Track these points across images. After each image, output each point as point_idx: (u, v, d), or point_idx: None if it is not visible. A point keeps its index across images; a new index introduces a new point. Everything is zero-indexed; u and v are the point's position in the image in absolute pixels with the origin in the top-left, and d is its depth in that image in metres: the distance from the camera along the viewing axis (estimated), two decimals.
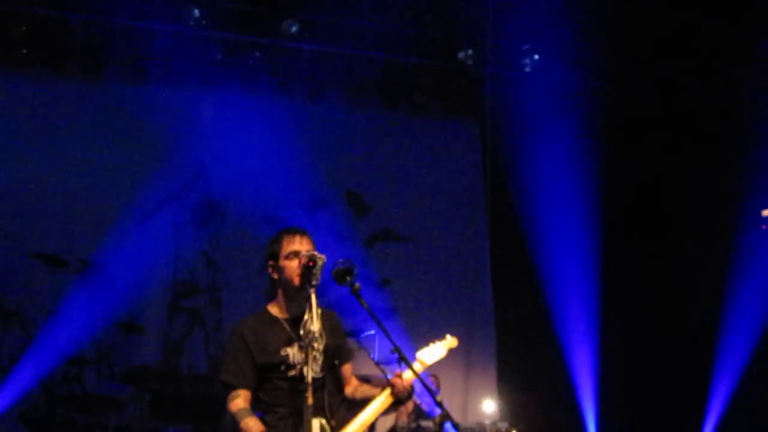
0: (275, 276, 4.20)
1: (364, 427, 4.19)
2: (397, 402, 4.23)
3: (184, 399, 7.19)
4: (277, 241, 4.21)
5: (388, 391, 4.19)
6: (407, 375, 4.22)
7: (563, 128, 8.67)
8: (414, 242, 8.88)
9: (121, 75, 8.07)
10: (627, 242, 8.46)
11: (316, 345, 4.01)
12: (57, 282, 7.60)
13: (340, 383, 4.28)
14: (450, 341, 4.54)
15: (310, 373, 3.92)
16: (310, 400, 3.90)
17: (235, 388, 4.12)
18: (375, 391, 4.29)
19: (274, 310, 4.24)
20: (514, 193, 8.86)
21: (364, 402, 4.31)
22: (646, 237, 8.46)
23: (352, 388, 4.37)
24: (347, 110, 8.71)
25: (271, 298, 4.28)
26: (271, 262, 4.20)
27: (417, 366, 4.29)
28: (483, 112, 9.31)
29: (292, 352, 4.12)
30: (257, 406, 4.16)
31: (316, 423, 3.94)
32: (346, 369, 4.35)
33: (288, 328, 4.16)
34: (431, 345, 4.50)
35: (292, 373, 4.11)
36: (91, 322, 7.44)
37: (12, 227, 7.70)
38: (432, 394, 4.07)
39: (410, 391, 4.20)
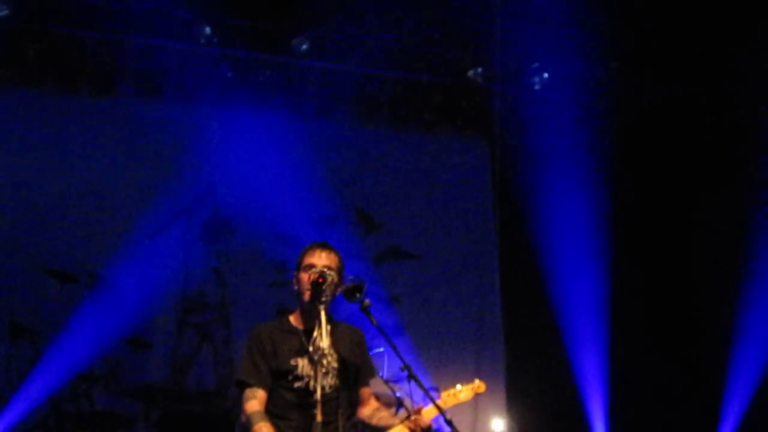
0: (296, 288, 4.23)
1: None
2: None
3: (192, 416, 7.17)
4: (300, 255, 4.26)
5: (403, 426, 4.17)
6: (426, 412, 4.20)
7: (573, 146, 8.67)
8: (423, 260, 8.87)
9: (133, 92, 8.11)
10: (639, 259, 8.43)
11: (325, 361, 4.00)
12: (67, 297, 7.61)
13: (353, 402, 4.26)
14: (477, 385, 4.59)
15: (319, 389, 3.91)
16: (319, 417, 3.88)
17: (251, 386, 4.11)
18: (393, 421, 4.26)
19: (294, 320, 4.26)
20: (523, 211, 8.84)
21: (377, 429, 4.29)
22: (658, 254, 8.44)
23: (371, 409, 4.33)
24: (357, 128, 8.73)
25: (293, 308, 4.30)
26: (295, 275, 4.25)
27: (440, 403, 4.28)
28: (492, 130, 9.31)
29: (302, 364, 4.12)
30: None
31: None
32: (364, 389, 4.32)
33: (303, 340, 4.16)
34: (458, 386, 4.53)
35: (298, 384, 4.09)
36: (100, 338, 7.43)
37: (22, 242, 7.73)
38: (442, 413, 4.05)
39: (427, 431, 4.18)
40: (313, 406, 3.95)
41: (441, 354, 8.21)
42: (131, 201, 7.98)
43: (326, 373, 4.03)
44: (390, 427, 4.22)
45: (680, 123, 8.31)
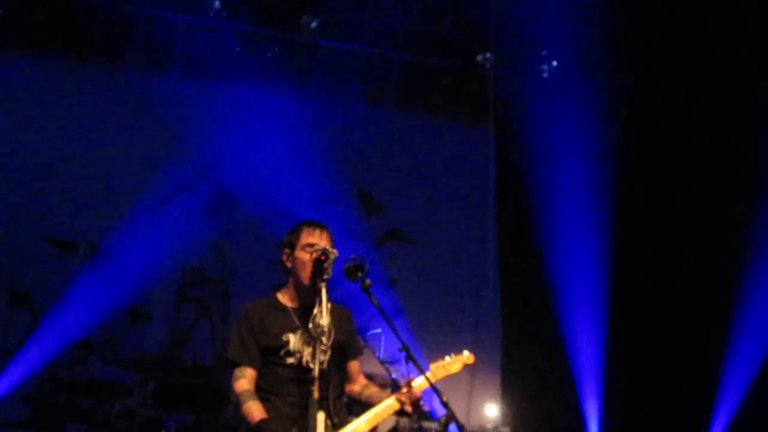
0: (288, 265, 4.23)
1: (366, 428, 4.17)
2: (401, 413, 4.21)
3: (188, 389, 7.18)
4: (295, 231, 4.24)
5: (393, 399, 4.17)
6: (416, 385, 4.19)
7: (579, 136, 8.65)
8: (423, 243, 8.87)
9: (140, 63, 8.10)
10: (637, 250, 8.45)
11: (324, 339, 4.00)
12: (66, 266, 7.62)
13: (343, 378, 4.27)
14: (466, 357, 4.51)
15: (317, 367, 3.91)
16: (315, 394, 3.88)
17: (240, 365, 4.12)
18: (383, 395, 4.27)
19: (283, 298, 4.26)
20: (524, 198, 8.84)
21: (368, 404, 4.30)
22: (658, 245, 8.45)
23: (360, 386, 4.36)
24: (363, 108, 8.72)
25: (282, 285, 4.28)
26: (287, 251, 4.23)
27: (429, 375, 4.25)
28: (498, 116, 9.29)
29: (294, 339, 4.13)
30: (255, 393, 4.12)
31: (321, 416, 3.92)
32: (353, 365, 4.35)
33: (294, 317, 4.17)
34: (446, 358, 4.47)
35: (290, 360, 4.11)
36: (98, 308, 7.44)
37: (23, 210, 7.74)
38: (439, 395, 4.04)
39: (416, 404, 4.18)
40: (309, 382, 3.95)
41: (437, 337, 8.20)
42: (133, 172, 7.97)
43: (323, 351, 4.03)
44: (380, 401, 4.22)
45: (690, 114, 8.29)
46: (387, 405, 4.18)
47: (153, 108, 8.05)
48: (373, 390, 4.33)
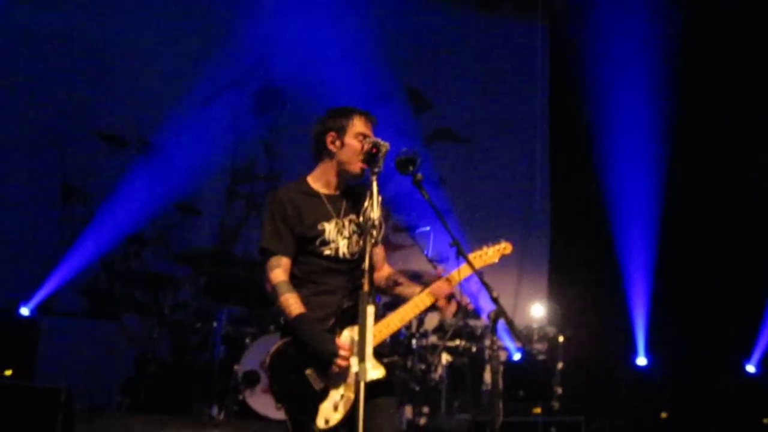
0: (333, 149, 4.08)
1: (398, 324, 4.10)
2: (433, 307, 4.13)
3: (239, 282, 7.29)
4: (347, 116, 4.09)
5: (424, 294, 4.09)
6: (449, 280, 4.12)
7: (635, 36, 8.37)
8: (473, 142, 8.79)
9: None
10: (693, 158, 8.24)
11: (374, 233, 3.95)
12: (118, 161, 7.70)
13: (373, 264, 4.17)
14: (503, 246, 4.38)
15: (368, 259, 3.86)
16: (366, 287, 3.84)
17: (275, 254, 4.01)
18: (410, 290, 4.17)
19: (315, 183, 4.13)
20: (578, 99, 8.63)
21: (396, 299, 4.25)
22: (713, 150, 8.24)
23: (384, 273, 4.26)
24: (414, 4, 8.52)
25: (313, 167, 4.13)
26: (332, 134, 4.09)
27: (463, 269, 4.18)
28: (551, 12, 9.02)
29: (329, 229, 4.05)
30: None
31: (370, 310, 3.89)
32: (377, 251, 4.18)
33: (327, 204, 4.08)
34: (484, 248, 4.39)
35: (327, 251, 4.04)
36: (150, 202, 7.55)
37: (76, 106, 7.79)
38: (489, 290, 4.01)
39: (448, 298, 4.13)
40: (344, 273, 3.98)
41: (486, 237, 8.18)
42: (183, 68, 7.94)
43: (375, 243, 3.95)
44: (410, 296, 4.12)
45: (753, 15, 7.95)
46: (418, 302, 4.10)
47: (203, 3, 7.96)
48: (402, 283, 4.20)
